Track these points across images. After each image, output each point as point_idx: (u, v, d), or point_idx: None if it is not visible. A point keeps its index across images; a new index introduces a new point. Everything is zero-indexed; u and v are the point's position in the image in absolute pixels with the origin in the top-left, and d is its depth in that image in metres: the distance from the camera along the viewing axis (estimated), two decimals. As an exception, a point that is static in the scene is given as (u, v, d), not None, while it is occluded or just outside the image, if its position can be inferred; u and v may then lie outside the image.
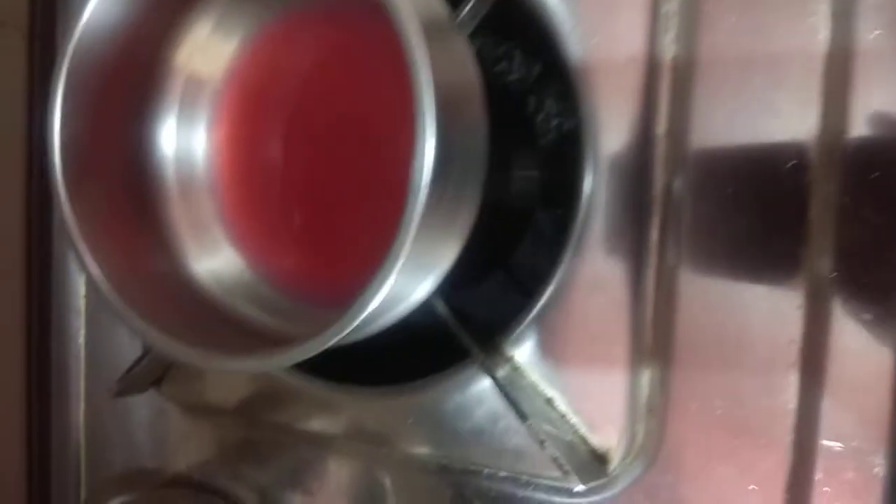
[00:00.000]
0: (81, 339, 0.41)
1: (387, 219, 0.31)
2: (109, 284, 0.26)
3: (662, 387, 0.29)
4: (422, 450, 0.33)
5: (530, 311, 0.31)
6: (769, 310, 0.28)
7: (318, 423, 0.35)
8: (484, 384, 0.31)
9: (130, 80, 0.29)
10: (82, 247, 0.26)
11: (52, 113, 0.26)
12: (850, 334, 0.27)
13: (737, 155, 0.28)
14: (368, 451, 0.35)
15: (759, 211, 0.27)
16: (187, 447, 0.40)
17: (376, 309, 0.23)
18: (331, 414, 0.35)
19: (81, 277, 0.40)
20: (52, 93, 0.26)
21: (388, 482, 0.34)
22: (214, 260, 0.31)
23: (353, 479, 0.36)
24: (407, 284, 0.25)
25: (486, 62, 0.29)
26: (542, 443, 0.29)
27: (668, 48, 0.27)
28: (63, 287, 0.41)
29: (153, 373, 0.37)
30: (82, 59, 0.26)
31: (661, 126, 0.28)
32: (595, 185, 0.29)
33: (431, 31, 0.24)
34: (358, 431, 0.34)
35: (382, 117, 0.31)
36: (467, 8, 0.28)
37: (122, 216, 0.29)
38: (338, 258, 0.31)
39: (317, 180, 0.32)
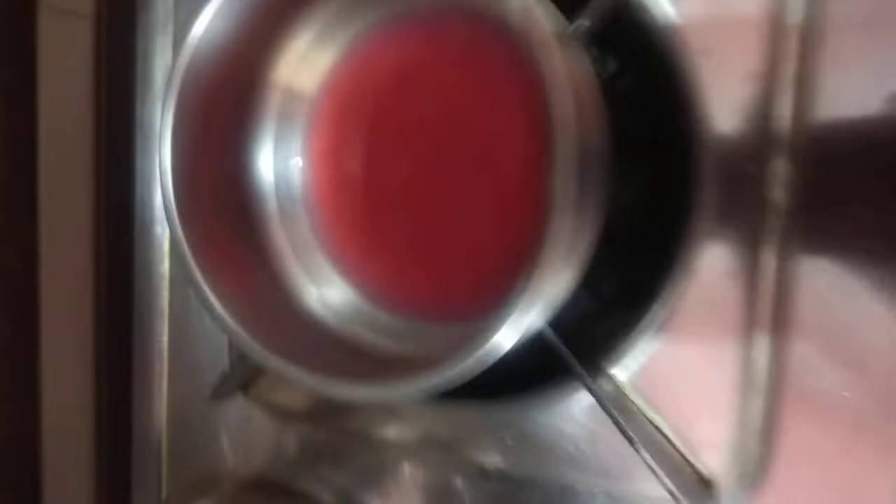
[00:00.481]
0: (165, 341, 0.41)
1: (495, 231, 0.30)
2: (224, 307, 0.26)
3: (773, 411, 0.29)
4: (512, 463, 0.33)
5: (637, 330, 0.30)
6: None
7: (401, 431, 0.35)
8: (584, 403, 0.31)
9: (232, 97, 0.28)
10: (195, 269, 0.26)
11: (164, 135, 0.25)
12: None
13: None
14: (451, 461, 0.34)
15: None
16: (268, 449, 0.40)
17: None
18: (417, 423, 0.35)
19: (164, 279, 0.40)
20: (164, 114, 0.26)
21: (466, 492, 0.34)
22: (318, 281, 0.31)
23: (434, 488, 0.35)
24: (534, 316, 0.24)
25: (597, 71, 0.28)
26: (649, 466, 0.29)
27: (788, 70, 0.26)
28: (146, 288, 0.41)
29: (243, 378, 0.37)
30: (189, 78, 0.26)
31: (783, 122, 0.27)
32: (707, 199, 0.28)
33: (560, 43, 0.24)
34: (444, 441, 0.34)
35: (488, 128, 0.31)
36: (583, 21, 0.27)
37: (227, 238, 0.28)
38: (443, 273, 0.31)
39: (416, 194, 0.31)
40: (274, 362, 0.25)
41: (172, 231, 0.26)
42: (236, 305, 0.27)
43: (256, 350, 0.25)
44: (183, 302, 0.40)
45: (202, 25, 0.25)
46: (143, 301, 0.41)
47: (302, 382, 0.25)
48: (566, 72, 0.22)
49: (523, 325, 0.23)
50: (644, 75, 0.30)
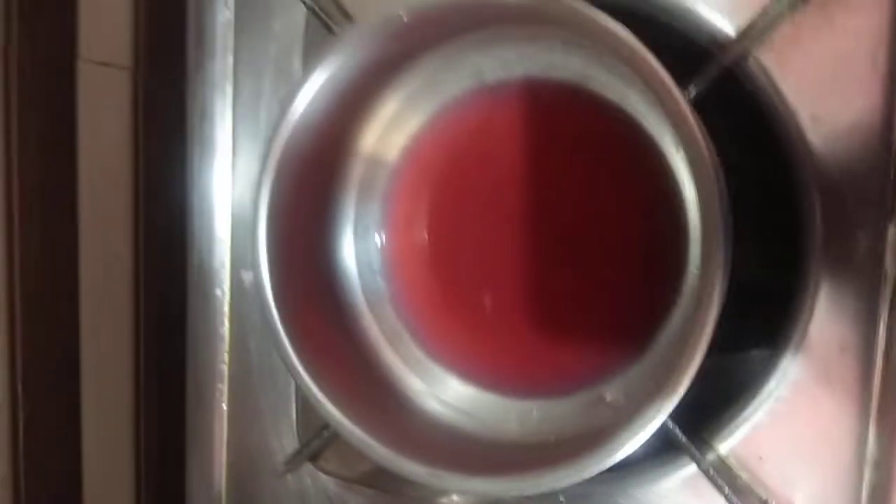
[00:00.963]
0: (224, 407, 0.39)
1: (593, 300, 0.29)
2: (330, 401, 0.24)
3: (884, 493, 0.28)
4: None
5: (746, 404, 0.29)
6: None
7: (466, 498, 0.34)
8: (691, 476, 0.30)
9: (319, 171, 0.27)
10: (295, 362, 0.25)
11: (259, 226, 0.24)
12: None
13: None
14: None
15: None
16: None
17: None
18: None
19: (224, 342, 0.39)
20: (258, 199, 0.24)
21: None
22: (412, 365, 0.29)
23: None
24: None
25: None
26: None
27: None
28: (202, 352, 0.40)
29: (316, 450, 0.35)
30: (283, 158, 0.25)
31: None
32: (819, 284, 0.27)
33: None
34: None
35: (577, 194, 0.30)
36: (696, 88, 0.26)
37: (319, 324, 0.27)
38: (544, 347, 0.30)
39: (506, 266, 0.30)
40: (380, 452, 0.24)
41: (269, 320, 0.25)
42: (332, 387, 0.26)
43: (371, 446, 0.24)
44: (244, 366, 0.39)
45: (300, 105, 0.24)
46: (198, 364, 0.40)
47: (411, 474, 0.24)
48: (704, 138, 0.21)
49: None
50: (750, 142, 0.29)
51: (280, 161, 0.24)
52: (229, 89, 0.39)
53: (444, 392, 0.29)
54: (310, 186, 0.27)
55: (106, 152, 0.52)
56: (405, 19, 0.22)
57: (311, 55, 0.35)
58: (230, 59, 0.39)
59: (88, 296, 0.48)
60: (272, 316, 0.25)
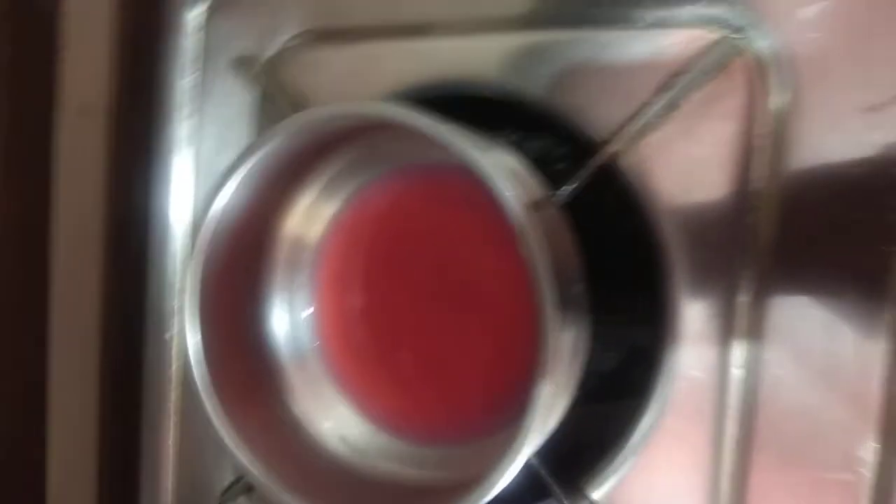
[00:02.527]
0: (171, 443, 0.43)
1: (491, 356, 0.33)
2: (240, 447, 0.29)
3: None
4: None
5: (613, 455, 0.33)
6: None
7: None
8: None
9: (245, 258, 0.31)
10: (212, 407, 0.29)
11: (191, 305, 0.28)
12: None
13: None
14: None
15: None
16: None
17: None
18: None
19: (172, 382, 0.43)
20: (188, 285, 0.28)
21: None
22: (334, 417, 0.33)
23: None
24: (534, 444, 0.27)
25: (578, 221, 0.31)
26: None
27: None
28: (155, 390, 0.44)
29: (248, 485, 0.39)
30: (210, 248, 0.29)
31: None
32: (680, 337, 0.31)
33: (532, 207, 0.27)
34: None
35: (479, 263, 0.34)
36: (566, 189, 0.31)
37: (244, 379, 0.31)
38: (449, 398, 0.34)
39: (419, 328, 0.35)
40: (287, 499, 0.28)
41: (195, 374, 0.29)
42: (254, 446, 0.30)
43: (272, 487, 0.28)
44: (191, 404, 0.43)
45: (222, 201, 0.28)
46: (151, 402, 0.44)
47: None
48: (536, 231, 0.25)
49: (537, 440, 0.26)
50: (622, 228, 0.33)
51: (211, 241, 0.28)
52: (186, 151, 0.43)
53: (354, 435, 0.33)
54: (238, 266, 0.31)
55: (82, 199, 0.55)
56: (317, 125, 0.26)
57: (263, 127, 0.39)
58: (189, 124, 0.43)
59: (58, 335, 0.52)
60: (197, 371, 0.29)
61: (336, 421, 0.33)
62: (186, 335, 0.28)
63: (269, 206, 0.31)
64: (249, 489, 0.41)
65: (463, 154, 0.25)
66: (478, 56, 0.35)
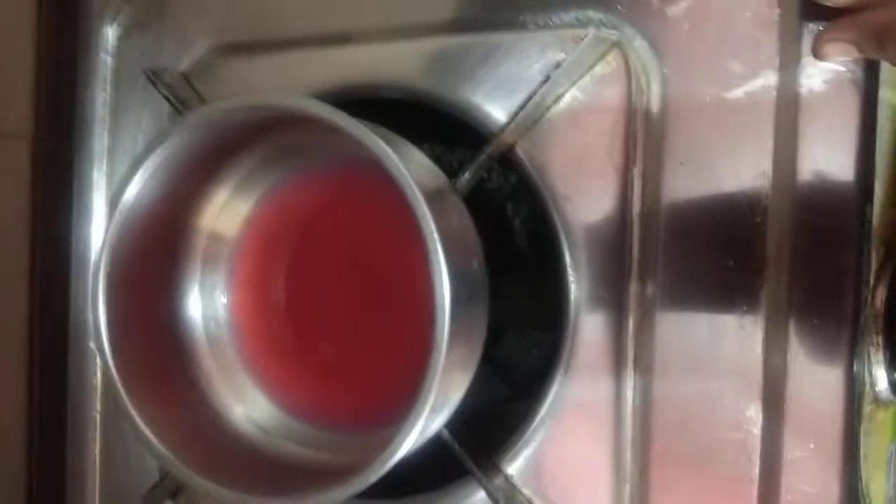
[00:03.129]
0: (97, 450, 0.43)
1: (400, 347, 0.35)
2: (149, 429, 0.30)
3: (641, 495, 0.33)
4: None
5: (524, 429, 0.34)
6: (733, 429, 0.32)
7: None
8: (480, 497, 0.35)
9: (159, 248, 0.32)
10: (127, 403, 0.30)
11: (96, 287, 0.29)
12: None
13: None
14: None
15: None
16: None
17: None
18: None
19: (96, 391, 0.43)
20: (95, 269, 0.29)
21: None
22: (244, 399, 0.34)
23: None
24: (433, 420, 0.28)
25: (483, 209, 0.33)
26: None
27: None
28: (79, 399, 0.44)
29: (173, 487, 0.40)
30: (120, 237, 0.30)
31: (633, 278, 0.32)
32: (578, 323, 0.33)
33: (433, 196, 0.28)
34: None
35: (389, 258, 0.36)
36: (464, 176, 0.33)
37: (157, 366, 0.32)
38: (361, 387, 0.35)
39: (331, 317, 0.36)
40: (196, 480, 0.29)
41: (103, 360, 0.30)
42: (163, 427, 0.31)
43: (180, 469, 0.29)
44: (114, 412, 0.43)
45: (133, 190, 0.29)
46: (76, 411, 0.44)
47: (223, 498, 0.29)
48: (435, 220, 0.27)
49: (423, 428, 0.27)
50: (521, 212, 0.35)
51: (119, 235, 0.29)
52: (106, 165, 0.44)
53: (265, 420, 0.34)
54: (152, 256, 0.32)
55: (6, 220, 0.55)
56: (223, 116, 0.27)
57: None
58: (106, 139, 0.44)
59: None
60: (108, 366, 0.30)
61: (249, 407, 0.34)
62: (92, 319, 0.29)
63: (182, 199, 0.33)
64: (175, 493, 0.41)
65: (370, 145, 0.27)
66: (385, 62, 0.37)
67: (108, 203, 0.42)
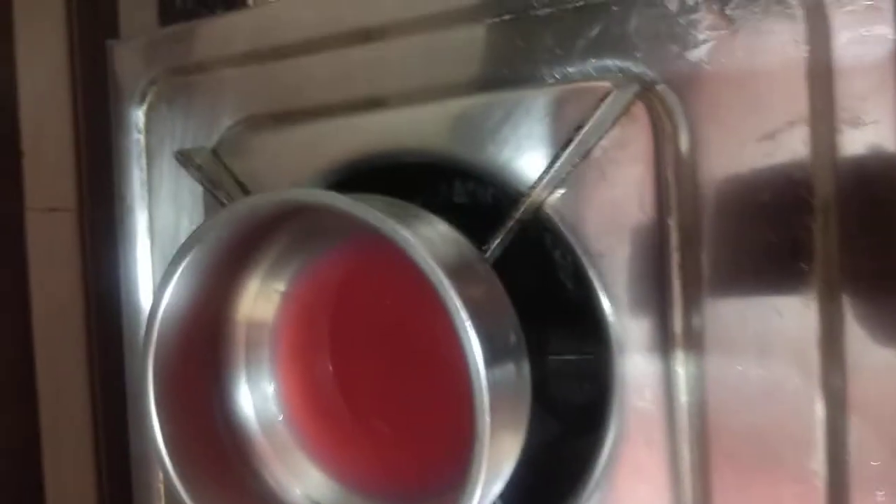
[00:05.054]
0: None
1: (448, 411, 0.35)
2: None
3: None
4: None
5: (578, 491, 0.34)
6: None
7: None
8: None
9: (201, 347, 0.33)
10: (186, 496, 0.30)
11: (147, 393, 0.30)
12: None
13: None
14: None
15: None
16: None
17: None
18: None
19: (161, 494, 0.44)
20: (143, 377, 0.30)
21: None
22: (304, 482, 0.35)
23: None
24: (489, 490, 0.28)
25: (513, 274, 0.33)
26: None
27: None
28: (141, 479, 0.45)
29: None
30: (162, 342, 0.31)
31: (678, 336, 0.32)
32: (624, 376, 0.33)
33: (457, 269, 0.28)
34: None
35: (426, 324, 0.35)
36: (494, 244, 0.32)
37: (217, 467, 0.33)
38: (415, 456, 0.35)
39: (376, 388, 0.36)
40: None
41: (163, 469, 0.30)
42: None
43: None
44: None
45: (168, 292, 0.30)
46: (140, 491, 0.45)
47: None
48: (457, 293, 0.26)
49: (491, 486, 0.27)
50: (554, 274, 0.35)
51: (160, 333, 0.30)
52: (147, 241, 0.45)
53: (325, 498, 0.34)
54: (196, 356, 0.33)
55: (59, 294, 0.57)
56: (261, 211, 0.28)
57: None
58: (145, 214, 0.45)
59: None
60: (170, 475, 0.30)
61: (307, 486, 0.35)
62: (147, 431, 0.30)
63: (218, 292, 0.33)
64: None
65: (386, 230, 0.27)
66: (409, 127, 0.37)
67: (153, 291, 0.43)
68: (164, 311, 0.30)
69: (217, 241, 0.30)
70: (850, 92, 0.29)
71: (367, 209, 0.26)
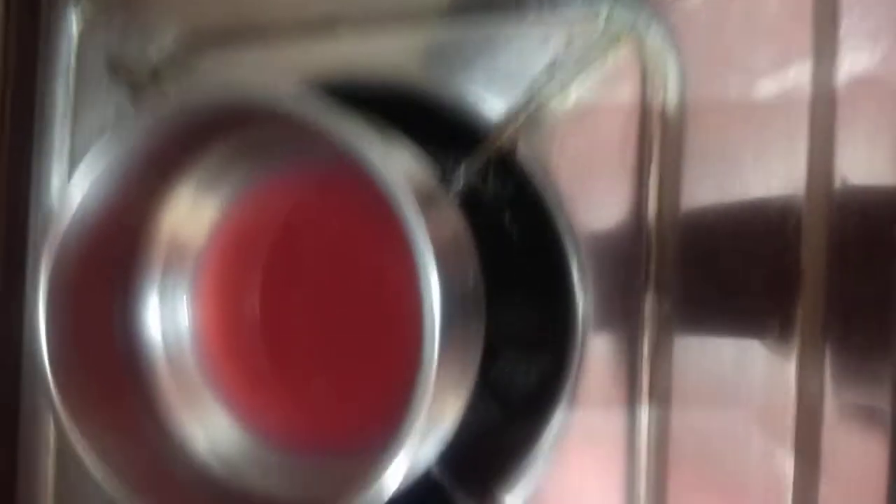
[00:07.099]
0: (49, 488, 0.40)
1: (387, 366, 0.31)
2: (103, 464, 0.26)
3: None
4: None
5: (526, 459, 0.31)
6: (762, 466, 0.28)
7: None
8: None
9: (111, 259, 0.29)
10: (75, 433, 0.26)
11: (37, 308, 0.26)
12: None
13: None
14: None
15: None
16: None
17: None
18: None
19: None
20: (36, 287, 0.26)
21: None
22: (209, 427, 0.31)
23: None
24: (422, 449, 0.25)
25: (478, 213, 0.30)
26: None
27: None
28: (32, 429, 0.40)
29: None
30: (64, 249, 0.26)
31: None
32: (586, 343, 0.30)
33: (423, 201, 0.25)
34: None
35: (376, 268, 0.32)
36: (459, 178, 0.29)
37: (112, 396, 0.29)
38: (334, 409, 0.32)
39: (308, 332, 0.33)
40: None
41: (46, 386, 0.26)
42: (117, 459, 0.27)
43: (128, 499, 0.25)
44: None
45: (77, 193, 0.26)
46: (28, 441, 0.40)
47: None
48: (423, 221, 0.23)
49: (411, 460, 0.24)
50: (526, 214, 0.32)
51: (61, 244, 0.26)
52: (67, 164, 0.41)
53: (235, 449, 0.31)
54: (103, 268, 0.29)
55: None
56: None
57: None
58: (67, 137, 0.41)
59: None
60: (51, 391, 0.26)
61: (212, 433, 0.31)
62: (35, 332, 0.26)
63: (136, 203, 0.29)
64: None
65: (350, 142, 0.24)
66: (373, 53, 0.34)
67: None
68: (70, 212, 0.26)
69: (139, 143, 0.26)
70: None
71: (329, 115, 0.23)
